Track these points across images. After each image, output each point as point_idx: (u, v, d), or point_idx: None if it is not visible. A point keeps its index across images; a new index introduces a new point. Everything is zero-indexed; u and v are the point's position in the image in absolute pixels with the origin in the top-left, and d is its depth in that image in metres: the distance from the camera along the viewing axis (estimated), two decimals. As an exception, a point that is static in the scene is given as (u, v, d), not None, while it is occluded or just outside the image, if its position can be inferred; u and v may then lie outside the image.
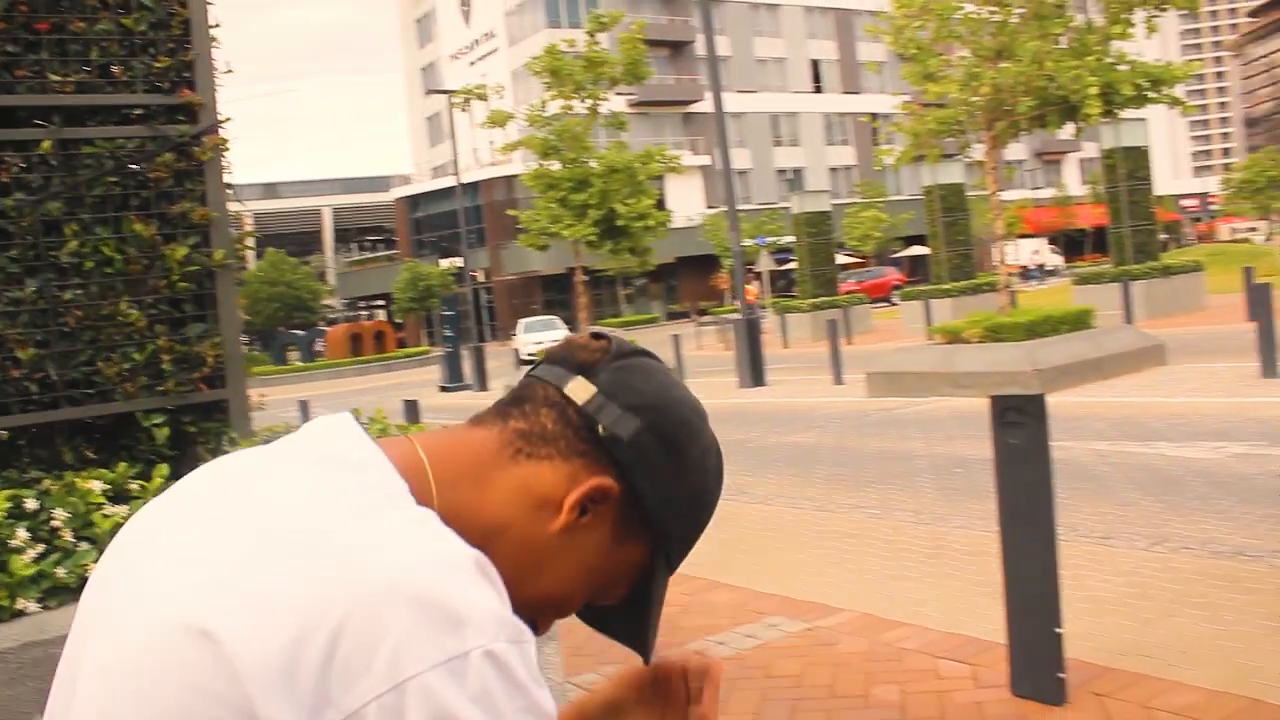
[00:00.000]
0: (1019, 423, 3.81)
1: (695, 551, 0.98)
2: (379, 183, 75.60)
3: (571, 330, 36.04)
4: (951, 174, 28.11)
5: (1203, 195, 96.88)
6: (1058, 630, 3.77)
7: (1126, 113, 15.40)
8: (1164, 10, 13.63)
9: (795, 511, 8.17)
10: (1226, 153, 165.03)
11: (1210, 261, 28.21)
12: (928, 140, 15.35)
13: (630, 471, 0.89)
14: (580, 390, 0.90)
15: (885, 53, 27.18)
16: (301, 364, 43.48)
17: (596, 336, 0.96)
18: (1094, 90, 13.29)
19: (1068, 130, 15.67)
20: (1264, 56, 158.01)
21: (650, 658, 0.99)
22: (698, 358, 24.96)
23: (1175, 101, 14.26)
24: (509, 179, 54.07)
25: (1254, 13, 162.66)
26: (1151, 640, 4.40)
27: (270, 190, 76.01)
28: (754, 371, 18.76)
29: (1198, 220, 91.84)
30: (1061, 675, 3.76)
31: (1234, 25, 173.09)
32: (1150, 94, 13.96)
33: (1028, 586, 3.84)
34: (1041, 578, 3.80)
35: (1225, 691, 3.67)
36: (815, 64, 69.14)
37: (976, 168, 22.56)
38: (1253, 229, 76.80)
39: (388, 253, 73.86)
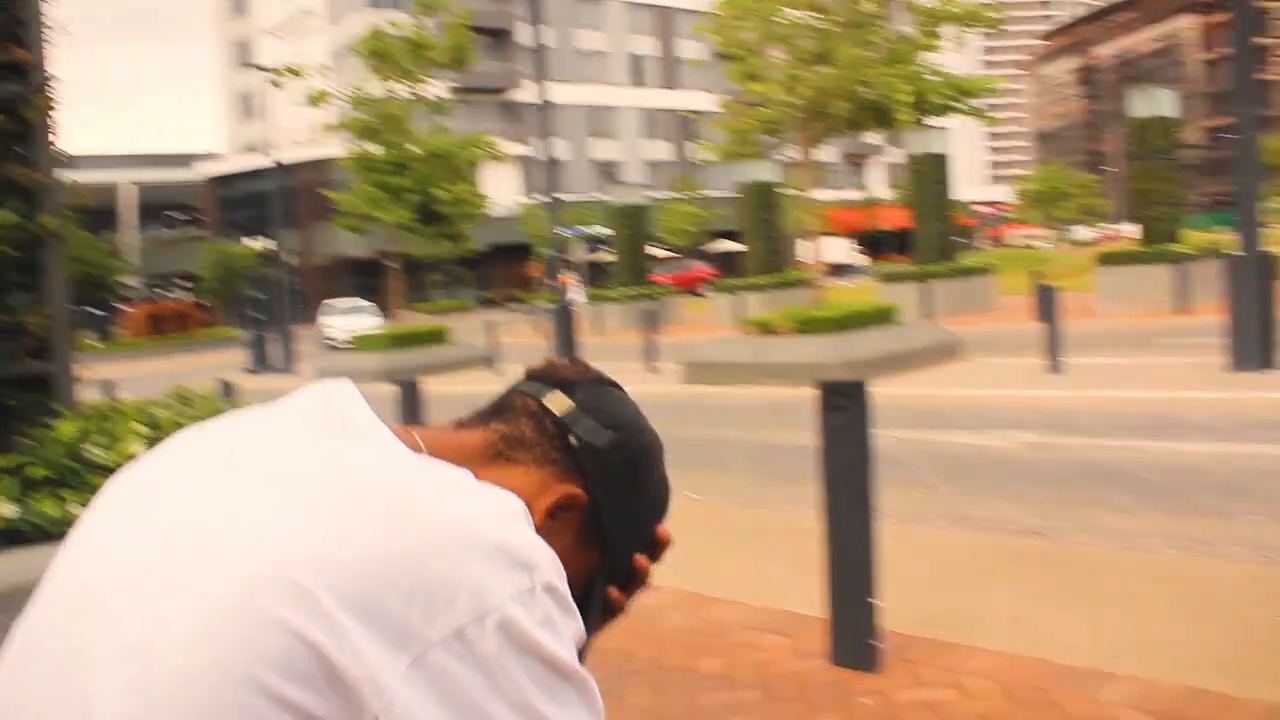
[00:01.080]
0: (843, 406, 4.02)
1: None
2: (185, 159, 72.36)
3: (383, 316, 35.45)
4: (765, 172, 28.87)
5: (995, 203, 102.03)
6: (873, 601, 4.01)
7: (932, 121, 16.21)
8: (971, 27, 14.38)
9: (617, 495, 8.30)
10: (1018, 164, 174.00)
11: (999, 265, 29.83)
12: (747, 138, 15.75)
13: (595, 484, 0.97)
14: (558, 403, 0.99)
15: (705, 50, 27.66)
16: (98, 344, 41.46)
17: (576, 362, 1.05)
18: (906, 98, 13.94)
19: (877, 135, 16.35)
20: (1053, 76, 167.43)
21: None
22: (511, 345, 24.89)
23: (978, 113, 15.08)
24: (322, 161, 52.63)
25: (1046, 36, 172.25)
26: (956, 612, 4.71)
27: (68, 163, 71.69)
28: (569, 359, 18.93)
29: (990, 226, 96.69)
30: (876, 644, 3.99)
31: (1029, 45, 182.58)
32: (956, 104, 14.73)
33: (847, 560, 4.05)
34: (859, 552, 4.02)
35: (1020, 654, 3.98)
36: (635, 59, 69.78)
37: (790, 167, 23.21)
38: (1038, 236, 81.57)
39: (194, 232, 70.77)
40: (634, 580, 1.05)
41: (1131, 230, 29.97)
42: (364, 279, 54.33)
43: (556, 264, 22.19)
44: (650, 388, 15.53)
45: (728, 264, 52.69)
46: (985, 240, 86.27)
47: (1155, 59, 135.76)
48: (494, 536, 0.80)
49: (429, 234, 23.48)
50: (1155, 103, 21.61)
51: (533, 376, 1.03)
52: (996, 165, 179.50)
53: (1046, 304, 13.27)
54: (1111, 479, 7.27)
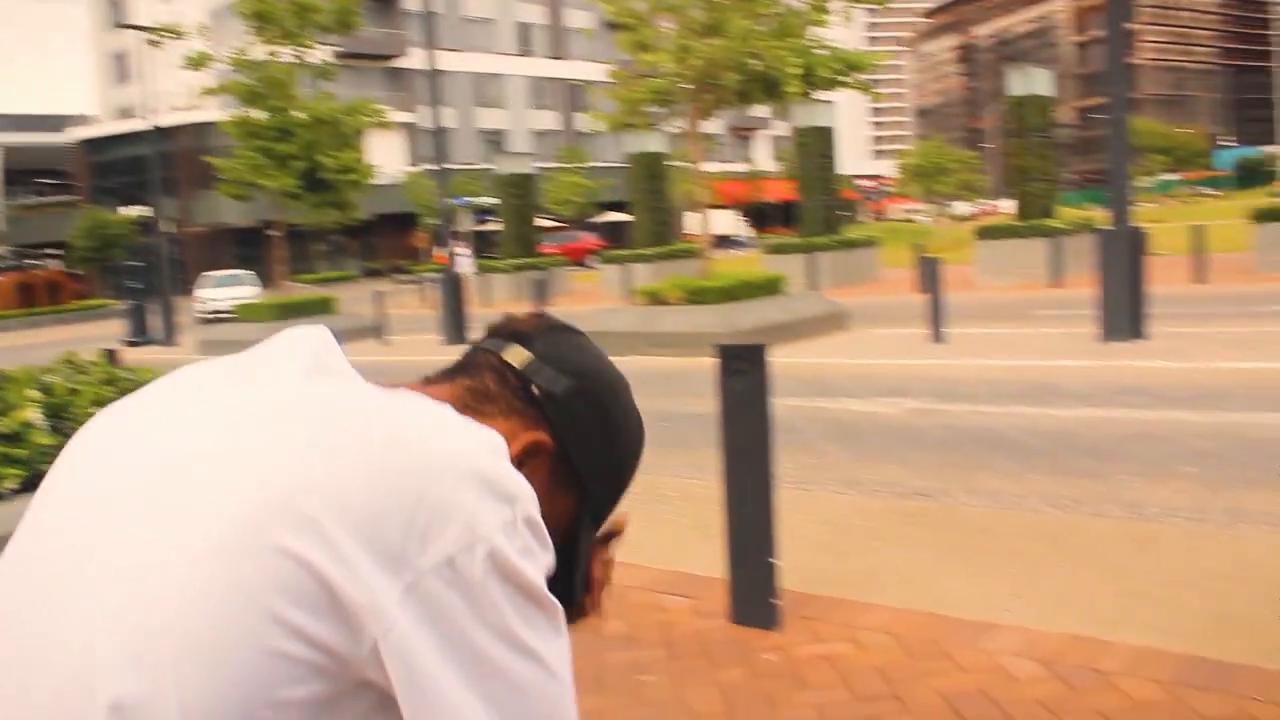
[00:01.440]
0: (743, 370, 4.12)
1: None
2: (55, 122, 69.33)
3: (265, 287, 34.70)
4: (654, 143, 28.91)
5: (877, 177, 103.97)
6: (772, 560, 4.13)
7: (819, 94, 16.46)
8: (857, 3, 14.62)
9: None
10: (899, 140, 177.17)
11: (882, 238, 30.47)
12: (637, 108, 15.80)
13: (561, 430, 1.02)
14: (517, 355, 1.03)
15: (594, 20, 27.60)
16: (-39, 315, 39.85)
17: (535, 314, 1.10)
18: (795, 70, 14.13)
19: (765, 107, 16.55)
20: (934, 54, 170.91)
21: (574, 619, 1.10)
22: (398, 316, 24.61)
23: (865, 88, 15.38)
24: (203, 125, 51.06)
25: (927, 14, 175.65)
26: (850, 570, 4.87)
27: (-82, 123, 68.23)
28: (457, 329, 18.87)
29: (872, 200, 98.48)
30: (776, 602, 4.12)
31: (911, 23, 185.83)
32: (843, 78, 14.99)
33: (747, 520, 4.16)
34: (759, 512, 4.13)
35: (912, 609, 4.15)
36: (523, 27, 69.14)
37: (678, 138, 23.31)
38: (918, 210, 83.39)
39: (65, 198, 68.01)
40: (612, 534, 1.13)
41: (1008, 205, 30.86)
42: (246, 249, 52.99)
43: (444, 234, 21.98)
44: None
45: (615, 235, 52.80)
46: (868, 214, 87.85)
47: (1031, 39, 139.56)
48: (481, 469, 0.85)
49: (314, 202, 23.06)
50: (1032, 82, 22.23)
51: (493, 333, 1.08)
52: (878, 140, 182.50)
53: (929, 276, 13.61)
54: (993, 444, 7.56)
